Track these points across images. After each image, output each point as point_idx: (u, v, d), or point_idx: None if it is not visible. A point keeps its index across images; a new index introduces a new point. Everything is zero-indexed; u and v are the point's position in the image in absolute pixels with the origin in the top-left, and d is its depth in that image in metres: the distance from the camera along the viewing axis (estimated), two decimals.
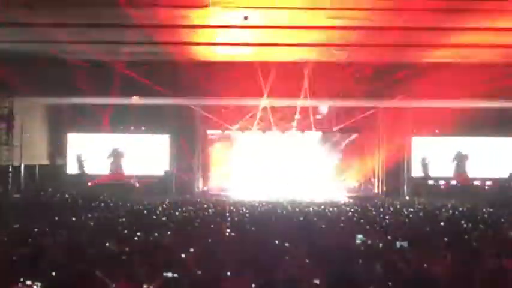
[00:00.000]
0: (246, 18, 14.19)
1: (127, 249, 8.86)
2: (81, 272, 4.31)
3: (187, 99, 24.88)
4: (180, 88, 22.33)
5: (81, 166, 27.97)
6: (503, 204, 20.01)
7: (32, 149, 25.49)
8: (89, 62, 21.08)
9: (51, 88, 22.25)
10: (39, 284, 5.78)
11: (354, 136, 29.50)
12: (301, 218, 14.95)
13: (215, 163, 30.06)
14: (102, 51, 20.28)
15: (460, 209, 19.13)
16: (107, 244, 9.67)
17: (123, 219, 15.01)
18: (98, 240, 10.36)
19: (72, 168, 28.23)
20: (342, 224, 13.93)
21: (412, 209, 18.80)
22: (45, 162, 27.72)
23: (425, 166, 27.89)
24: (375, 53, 20.23)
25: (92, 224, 14.24)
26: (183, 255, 8.36)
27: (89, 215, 16.19)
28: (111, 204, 19.80)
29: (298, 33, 17.36)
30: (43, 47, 20.10)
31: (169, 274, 6.59)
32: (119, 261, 7.59)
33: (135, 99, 23.75)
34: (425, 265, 7.98)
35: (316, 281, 6.58)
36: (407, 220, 15.61)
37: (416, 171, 27.91)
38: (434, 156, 27.99)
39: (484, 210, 18.67)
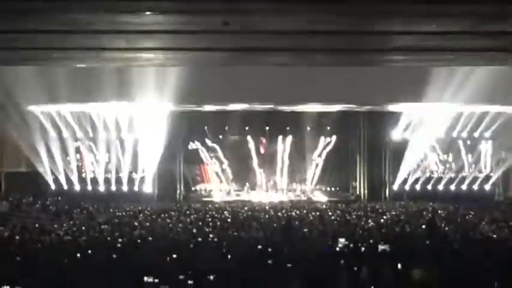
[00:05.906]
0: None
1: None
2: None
3: None
4: None
5: None
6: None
7: None
8: None
9: None
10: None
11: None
12: (283, 223, 14.95)
13: None
14: None
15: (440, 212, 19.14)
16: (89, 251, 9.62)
17: (106, 226, 14.92)
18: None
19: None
20: (324, 228, 13.97)
21: (394, 213, 18.81)
22: None
23: None
24: None
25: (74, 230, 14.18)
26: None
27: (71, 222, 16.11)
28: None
29: None
30: None
31: (150, 279, 6.54)
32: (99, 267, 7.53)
33: None
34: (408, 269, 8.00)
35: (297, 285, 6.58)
36: (389, 223, 15.67)
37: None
38: None
39: (465, 213, 18.71)
